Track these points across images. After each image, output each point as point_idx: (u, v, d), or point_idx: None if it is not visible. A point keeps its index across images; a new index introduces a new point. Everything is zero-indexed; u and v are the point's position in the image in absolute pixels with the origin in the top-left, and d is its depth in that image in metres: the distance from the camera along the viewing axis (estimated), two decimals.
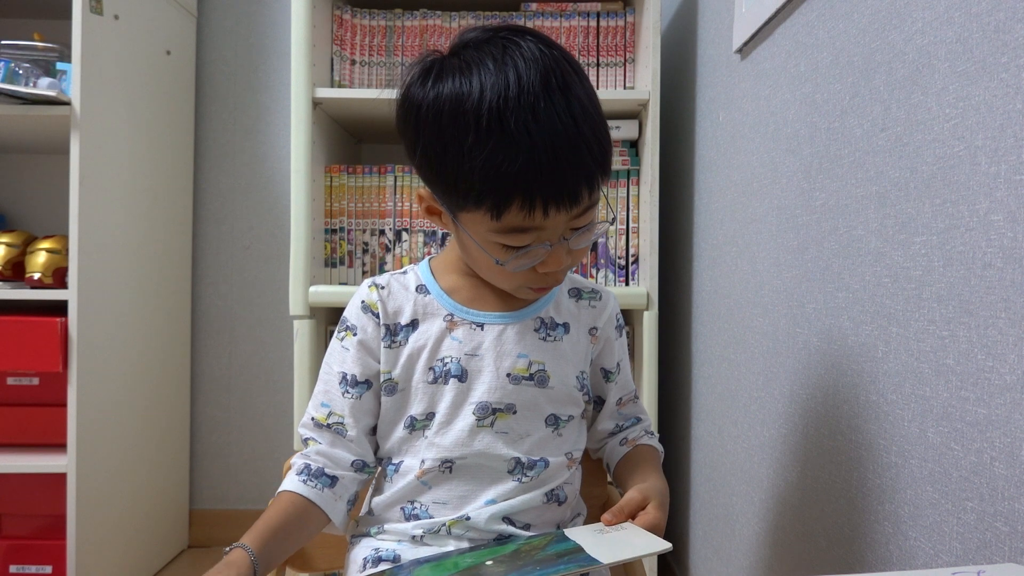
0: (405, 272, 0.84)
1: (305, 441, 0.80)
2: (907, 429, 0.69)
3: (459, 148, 0.67)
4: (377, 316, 0.80)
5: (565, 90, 0.67)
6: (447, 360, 0.78)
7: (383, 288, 0.82)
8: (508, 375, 0.78)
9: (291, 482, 0.77)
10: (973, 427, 0.59)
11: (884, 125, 0.74)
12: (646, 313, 1.46)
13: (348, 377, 0.80)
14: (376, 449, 0.83)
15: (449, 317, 0.80)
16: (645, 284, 1.48)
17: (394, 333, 0.80)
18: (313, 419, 0.80)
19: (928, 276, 0.66)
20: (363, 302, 0.81)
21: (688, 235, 1.53)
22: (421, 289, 0.82)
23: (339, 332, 0.82)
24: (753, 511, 1.11)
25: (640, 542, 0.68)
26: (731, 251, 1.24)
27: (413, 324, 0.80)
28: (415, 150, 0.72)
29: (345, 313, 0.83)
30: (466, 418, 0.77)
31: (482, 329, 0.79)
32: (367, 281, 0.83)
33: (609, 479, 0.94)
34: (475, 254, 0.75)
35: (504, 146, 0.65)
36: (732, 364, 1.23)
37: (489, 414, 0.78)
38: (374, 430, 0.82)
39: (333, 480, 0.78)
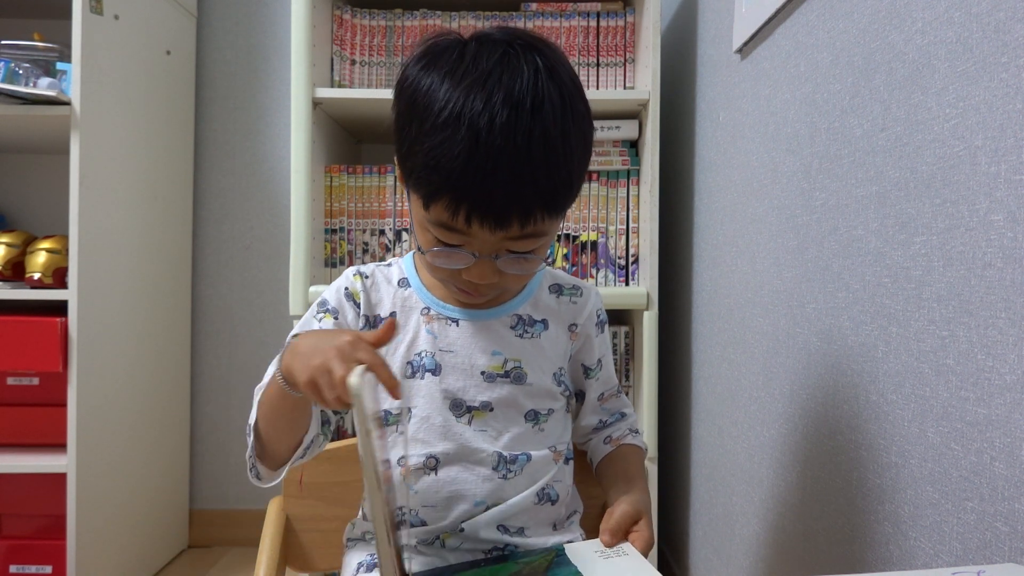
0: (390, 265, 0.85)
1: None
2: (907, 429, 0.69)
3: (419, 128, 0.68)
4: (358, 305, 0.81)
5: (535, 113, 0.66)
6: (423, 354, 0.79)
7: (367, 278, 0.82)
8: (482, 373, 0.78)
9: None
10: (973, 427, 0.59)
11: (884, 125, 0.74)
12: (646, 313, 1.46)
13: None
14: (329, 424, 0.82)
15: (426, 311, 0.80)
16: (645, 284, 1.48)
17: (373, 325, 0.81)
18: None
19: (928, 276, 0.66)
20: (346, 289, 0.82)
21: (688, 235, 1.53)
22: (403, 283, 0.82)
23: (318, 312, 0.82)
24: (753, 511, 1.11)
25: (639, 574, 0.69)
26: (731, 251, 1.24)
27: (392, 317, 0.80)
28: (393, 119, 0.74)
29: (325, 295, 0.82)
30: (443, 412, 0.77)
31: (456, 325, 0.80)
32: (352, 268, 0.83)
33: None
34: (416, 232, 0.75)
35: (449, 142, 0.65)
36: (732, 364, 1.23)
37: (464, 412, 0.78)
38: (326, 422, 0.81)
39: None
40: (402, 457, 0.77)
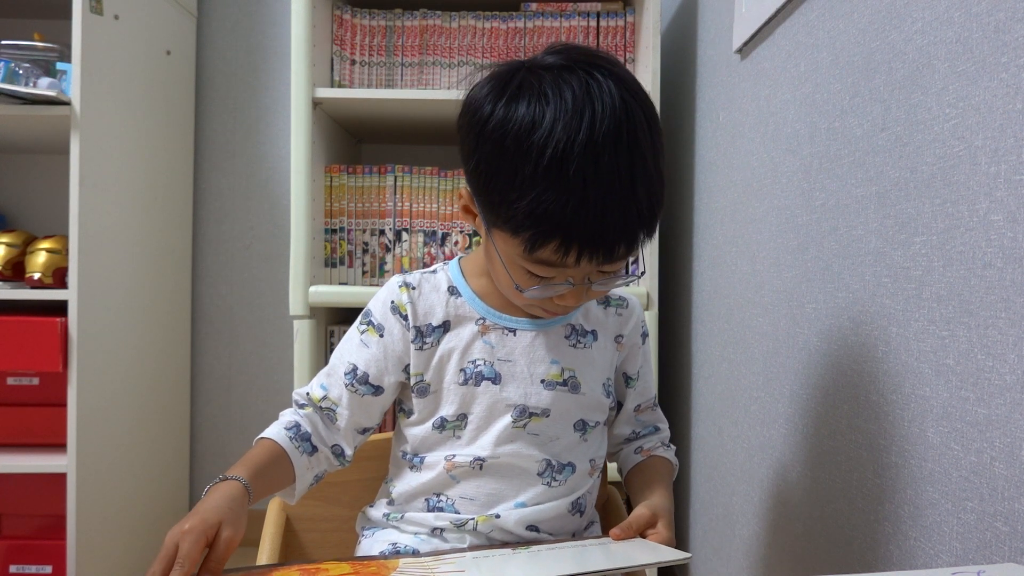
0: (435, 272, 0.84)
1: (299, 405, 0.81)
2: (907, 429, 0.69)
3: (512, 175, 0.66)
4: (406, 318, 0.80)
5: (632, 147, 0.67)
6: (478, 362, 0.79)
7: (414, 289, 0.81)
8: (542, 381, 0.79)
9: (279, 433, 0.77)
10: (973, 427, 0.59)
11: (884, 125, 0.74)
12: (646, 313, 1.46)
13: (359, 373, 0.80)
14: (355, 446, 0.83)
15: (481, 321, 0.80)
16: (645, 284, 1.48)
17: (425, 335, 0.80)
18: (308, 394, 0.81)
19: (928, 276, 0.66)
20: (392, 302, 0.80)
21: (688, 235, 1.53)
22: (452, 291, 0.81)
23: (361, 324, 0.82)
24: (753, 511, 1.11)
25: (658, 551, 0.70)
26: (731, 251, 1.24)
27: (445, 326, 0.80)
28: (470, 159, 0.72)
29: (371, 306, 0.82)
30: (503, 420, 0.78)
31: (515, 334, 0.80)
32: (397, 279, 0.82)
33: (611, 480, 0.95)
34: (497, 267, 0.75)
35: (557, 189, 0.65)
36: (732, 364, 1.23)
37: (526, 417, 0.78)
38: (365, 431, 0.83)
39: (314, 450, 0.78)
40: (449, 455, 0.78)
